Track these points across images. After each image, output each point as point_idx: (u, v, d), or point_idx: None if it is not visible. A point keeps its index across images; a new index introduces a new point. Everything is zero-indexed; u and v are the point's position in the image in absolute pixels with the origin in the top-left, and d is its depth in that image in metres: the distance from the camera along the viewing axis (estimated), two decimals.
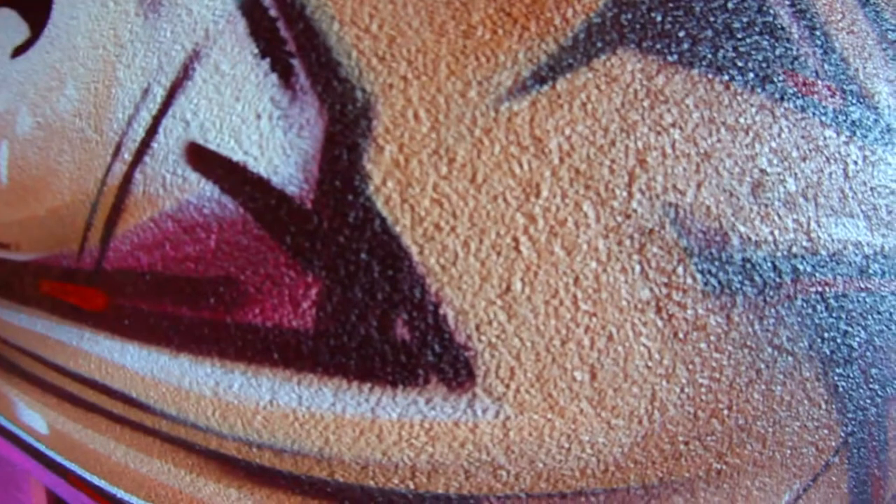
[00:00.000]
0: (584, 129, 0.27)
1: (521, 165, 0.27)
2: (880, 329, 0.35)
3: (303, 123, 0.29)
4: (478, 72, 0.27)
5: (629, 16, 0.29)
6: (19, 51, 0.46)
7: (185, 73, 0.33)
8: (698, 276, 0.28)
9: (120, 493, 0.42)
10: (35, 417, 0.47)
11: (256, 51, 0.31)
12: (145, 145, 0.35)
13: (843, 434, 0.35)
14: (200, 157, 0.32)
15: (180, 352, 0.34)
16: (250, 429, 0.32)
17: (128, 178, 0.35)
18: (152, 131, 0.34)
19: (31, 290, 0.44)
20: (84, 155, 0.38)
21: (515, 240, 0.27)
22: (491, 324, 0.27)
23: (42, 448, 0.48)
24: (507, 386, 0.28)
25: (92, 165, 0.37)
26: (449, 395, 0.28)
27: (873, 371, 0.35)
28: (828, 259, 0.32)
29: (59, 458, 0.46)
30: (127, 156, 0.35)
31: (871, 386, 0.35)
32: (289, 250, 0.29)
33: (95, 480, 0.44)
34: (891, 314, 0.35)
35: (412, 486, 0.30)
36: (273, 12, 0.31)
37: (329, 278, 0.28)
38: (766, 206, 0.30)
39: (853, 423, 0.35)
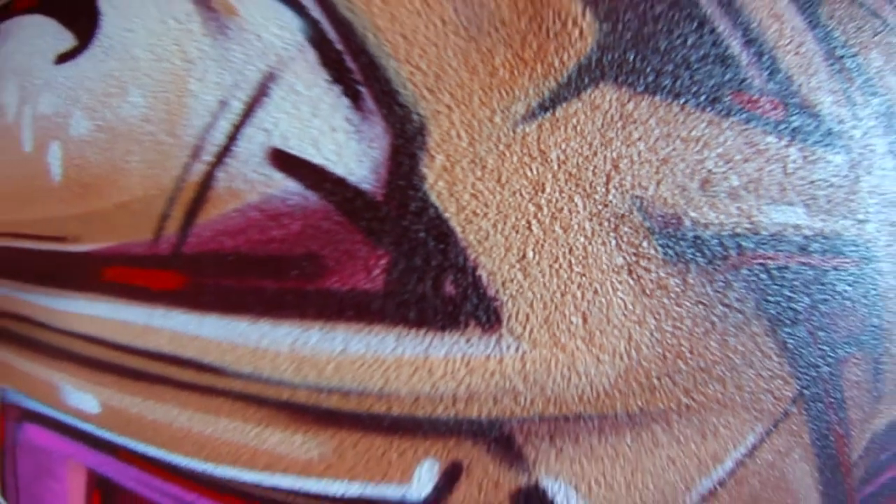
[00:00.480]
0: (575, 144, 0.47)
1: (531, 170, 0.47)
2: (824, 298, 0.50)
3: (373, 137, 0.48)
4: (501, 103, 0.47)
5: (609, 57, 0.49)
6: (65, 57, 0.61)
7: (262, 91, 0.51)
8: (659, 248, 0.48)
9: (177, 460, 0.56)
10: (85, 398, 0.60)
11: (328, 78, 0.50)
12: (226, 149, 0.52)
13: (797, 386, 0.52)
14: (283, 160, 0.50)
15: (261, 318, 0.51)
16: (322, 377, 0.50)
17: (209, 176, 0.53)
18: (233, 137, 0.52)
19: (91, 277, 0.59)
20: (157, 156, 0.55)
21: (528, 222, 0.47)
22: (512, 281, 0.47)
23: (90, 429, 0.60)
24: (524, 328, 0.48)
25: (167, 165, 0.54)
26: (482, 335, 0.48)
27: (821, 334, 0.51)
28: (769, 238, 0.50)
29: (109, 436, 0.59)
30: (207, 157, 0.53)
31: (820, 346, 0.51)
32: (363, 231, 0.48)
33: (151, 451, 0.56)
34: (834, 286, 0.50)
35: (453, 413, 0.49)
36: (339, 46, 0.50)
37: (395, 251, 0.47)
38: (713, 197, 0.50)
39: (806, 378, 0.51)
